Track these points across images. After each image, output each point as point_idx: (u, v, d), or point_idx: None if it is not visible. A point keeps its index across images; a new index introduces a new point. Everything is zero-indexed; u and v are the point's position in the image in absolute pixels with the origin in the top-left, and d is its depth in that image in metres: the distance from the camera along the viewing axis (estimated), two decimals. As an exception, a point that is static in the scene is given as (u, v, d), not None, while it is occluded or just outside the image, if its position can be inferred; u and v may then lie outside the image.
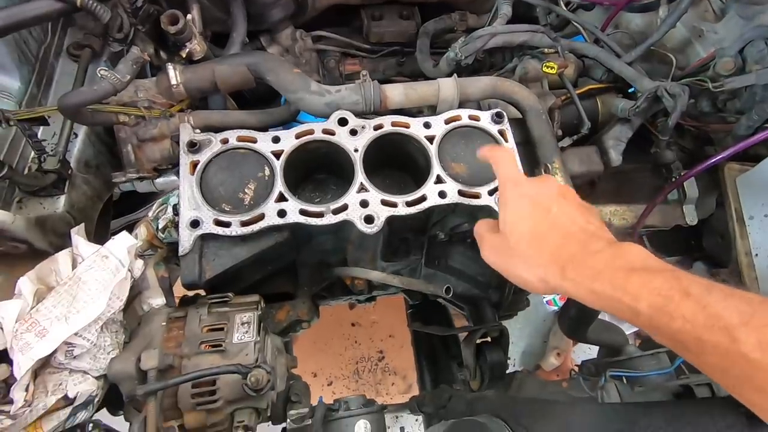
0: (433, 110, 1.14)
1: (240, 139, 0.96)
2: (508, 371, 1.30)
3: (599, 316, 1.11)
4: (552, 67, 1.18)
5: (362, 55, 1.68)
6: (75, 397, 0.70)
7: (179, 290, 0.95)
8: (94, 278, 0.71)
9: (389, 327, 2.21)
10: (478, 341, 1.28)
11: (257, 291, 1.07)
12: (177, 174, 1.12)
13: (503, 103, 1.15)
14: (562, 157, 1.04)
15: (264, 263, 1.00)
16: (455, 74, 1.08)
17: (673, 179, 1.12)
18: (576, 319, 1.00)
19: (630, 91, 1.26)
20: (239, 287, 1.02)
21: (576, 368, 1.12)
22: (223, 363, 0.79)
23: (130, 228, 1.03)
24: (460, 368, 1.41)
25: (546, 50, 1.31)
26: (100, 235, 1.13)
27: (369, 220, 0.91)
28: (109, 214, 1.21)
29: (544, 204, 0.70)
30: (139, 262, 0.80)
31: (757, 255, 1.04)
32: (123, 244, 0.75)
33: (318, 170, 1.12)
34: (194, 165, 0.93)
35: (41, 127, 0.95)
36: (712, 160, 1.04)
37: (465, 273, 1.25)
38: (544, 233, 0.68)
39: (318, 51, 1.63)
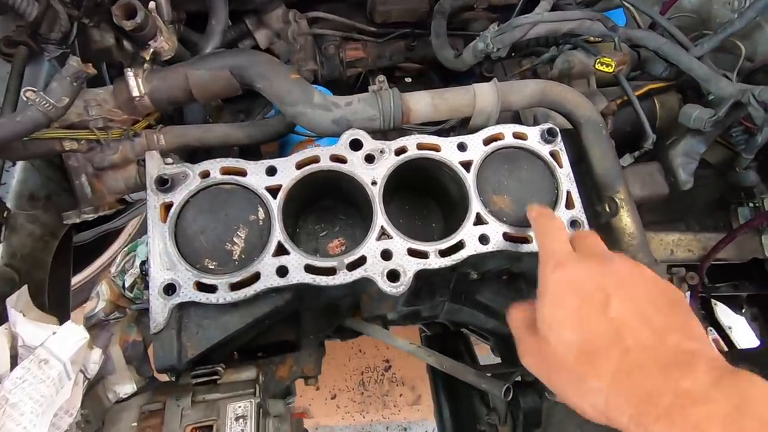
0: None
1: (225, 171, 0.74)
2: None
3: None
4: (608, 65, 0.95)
5: (366, 39, 1.43)
6: None
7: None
8: (28, 397, 0.51)
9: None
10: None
11: (252, 345, 0.89)
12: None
13: (545, 111, 0.93)
14: (626, 184, 0.84)
15: (260, 324, 0.80)
16: (495, 79, 0.86)
17: (750, 204, 0.93)
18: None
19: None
20: (231, 350, 0.83)
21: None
22: (213, 481, 0.61)
23: (106, 239, 0.83)
24: (484, 405, 1.26)
25: (591, 38, 1.09)
26: (57, 279, 0.92)
27: (393, 276, 0.72)
28: (70, 248, 0.99)
29: (597, 299, 0.49)
30: (96, 354, 0.60)
31: None
32: (70, 340, 0.55)
33: (324, 196, 0.91)
34: (167, 208, 0.72)
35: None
36: None
37: (494, 309, 1.07)
38: (601, 345, 0.47)
39: (314, 35, 1.38)
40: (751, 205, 0.93)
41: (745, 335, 1.81)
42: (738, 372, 0.43)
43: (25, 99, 0.61)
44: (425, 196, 0.95)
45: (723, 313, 2.22)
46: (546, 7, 0.99)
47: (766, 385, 0.42)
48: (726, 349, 1.47)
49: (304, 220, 0.92)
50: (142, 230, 1.91)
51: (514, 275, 0.97)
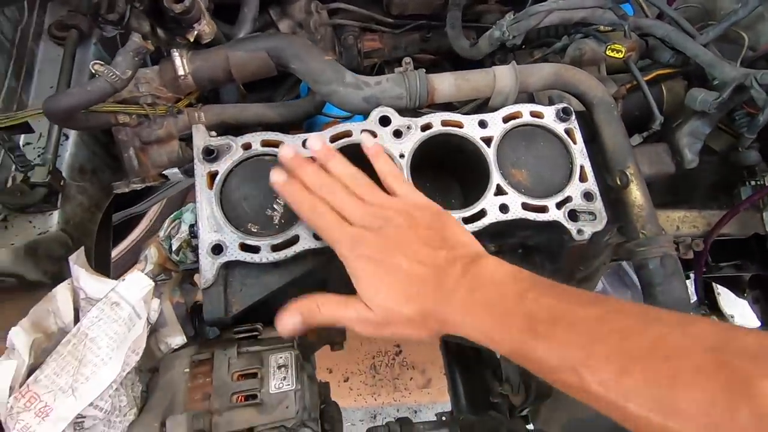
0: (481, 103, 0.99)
1: (265, 143, 0.81)
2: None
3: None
4: (619, 50, 1.01)
5: (383, 30, 1.49)
6: (87, 478, 0.57)
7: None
8: (104, 333, 0.57)
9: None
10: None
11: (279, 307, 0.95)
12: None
13: (559, 94, 0.99)
14: (636, 161, 0.90)
15: (295, 286, 0.86)
16: (514, 62, 0.92)
17: (753, 183, 0.99)
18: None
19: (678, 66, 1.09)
20: (265, 313, 0.89)
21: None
22: (261, 420, 0.67)
23: (129, 224, 0.89)
24: (496, 379, 1.32)
25: (602, 27, 1.14)
26: (101, 249, 0.98)
27: (421, 241, 0.78)
28: (110, 223, 1.06)
29: (391, 262, 0.62)
30: (155, 303, 0.66)
31: None
32: (137, 286, 0.61)
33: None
34: (212, 176, 0.78)
35: (20, 136, 0.79)
36: None
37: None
38: (408, 292, 0.60)
39: (334, 26, 1.44)
40: (753, 183, 0.99)
41: (747, 323, 1.86)
42: (478, 259, 0.60)
43: (93, 71, 0.67)
44: (446, 176, 1.01)
45: (726, 301, 2.28)
46: (560, -4, 1.05)
47: (492, 264, 0.60)
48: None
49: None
50: (165, 214, 1.97)
51: (529, 249, 1.03)
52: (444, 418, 1.17)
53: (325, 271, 0.96)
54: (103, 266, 1.00)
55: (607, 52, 1.03)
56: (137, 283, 0.62)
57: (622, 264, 2.34)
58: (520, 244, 1.00)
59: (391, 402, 1.98)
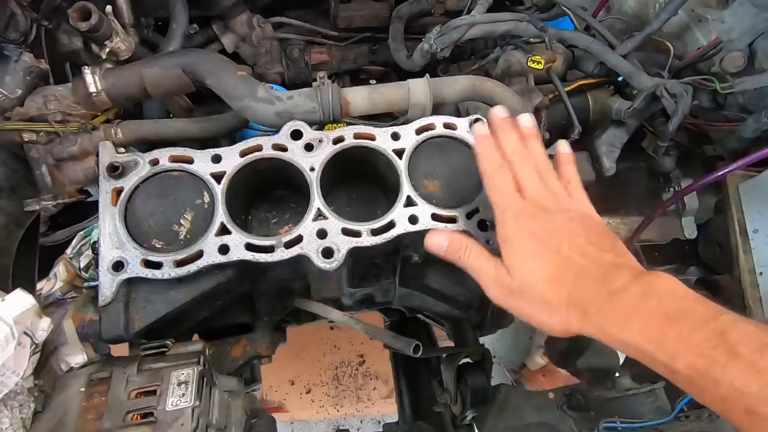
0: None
1: (173, 159, 0.81)
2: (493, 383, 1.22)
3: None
4: (538, 62, 1.04)
5: (330, 43, 1.51)
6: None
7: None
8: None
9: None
10: (460, 363, 1.18)
11: (207, 326, 0.95)
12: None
13: (484, 107, 1.01)
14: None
15: (210, 301, 0.86)
16: (428, 75, 0.93)
17: (672, 189, 1.00)
18: (566, 353, 0.90)
19: (619, 79, 1.13)
20: (184, 328, 0.88)
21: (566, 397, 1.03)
22: (152, 438, 0.66)
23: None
24: (441, 387, 1.32)
25: (532, 39, 1.17)
26: (23, 268, 0.98)
27: (328, 253, 0.78)
28: (36, 241, 1.05)
29: (553, 243, 0.63)
30: (45, 322, 0.66)
31: (761, 273, 0.94)
32: (15, 306, 0.61)
33: (275, 186, 0.98)
34: (118, 193, 0.78)
35: None
36: (720, 173, 0.92)
37: (443, 293, 1.13)
38: (559, 275, 0.61)
39: (280, 39, 1.45)
40: (671, 189, 1.01)
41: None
42: (652, 272, 0.58)
43: (-18, 89, 0.68)
44: (373, 188, 1.02)
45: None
46: (481, 10, 1.07)
47: (670, 280, 0.56)
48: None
49: (257, 209, 0.98)
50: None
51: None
52: (382, 430, 1.16)
53: (251, 286, 0.97)
54: (25, 285, 0.99)
55: (529, 64, 1.06)
56: (17, 302, 0.61)
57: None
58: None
59: (354, 413, 1.97)
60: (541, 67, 1.03)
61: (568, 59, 1.17)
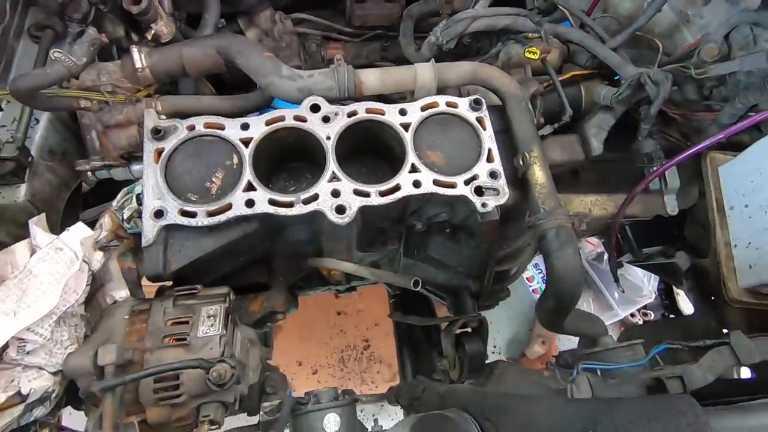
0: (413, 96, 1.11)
1: (207, 125, 0.93)
2: (489, 360, 1.30)
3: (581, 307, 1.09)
4: (534, 53, 1.14)
5: (345, 39, 1.63)
6: (29, 394, 0.67)
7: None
8: (46, 271, 0.68)
9: (375, 316, 2.21)
10: (458, 332, 1.27)
11: (230, 283, 1.05)
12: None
13: (483, 90, 1.11)
14: (541, 146, 1.01)
15: (234, 254, 0.97)
16: (432, 59, 1.05)
17: (654, 169, 1.10)
18: (553, 310, 0.99)
19: (615, 78, 1.23)
20: (210, 279, 0.99)
21: (554, 358, 1.11)
22: (186, 357, 0.77)
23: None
24: (440, 357, 1.40)
25: (531, 35, 1.27)
26: (67, 225, 1.09)
27: (340, 210, 0.89)
28: (78, 204, 1.17)
29: None
30: (99, 254, 0.77)
31: (736, 246, 1.02)
32: (78, 235, 0.72)
33: (292, 158, 1.09)
34: (159, 153, 0.90)
35: (-2, 113, 0.91)
36: (692, 150, 1.02)
37: (444, 263, 1.23)
38: None
39: (299, 34, 1.58)
40: (654, 169, 1.10)
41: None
42: None
43: (53, 58, 0.80)
44: (381, 161, 1.13)
45: (684, 302, 2.36)
46: (484, 5, 1.19)
47: None
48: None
49: (277, 178, 1.09)
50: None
51: (455, 229, 1.13)
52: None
53: (270, 246, 1.07)
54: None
55: (526, 54, 1.16)
56: (79, 232, 0.73)
57: (585, 265, 2.44)
58: (448, 223, 1.11)
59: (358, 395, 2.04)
60: (537, 58, 1.14)
61: (564, 53, 1.27)
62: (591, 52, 1.18)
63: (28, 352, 0.67)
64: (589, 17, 1.27)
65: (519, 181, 1.02)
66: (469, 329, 1.29)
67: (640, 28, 1.14)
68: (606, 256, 2.36)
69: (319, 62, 1.62)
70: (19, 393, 0.67)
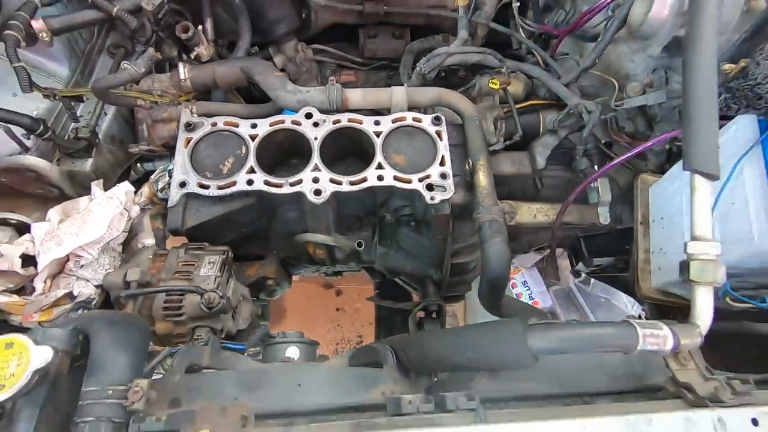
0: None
1: (226, 123, 1.23)
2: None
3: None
4: (495, 83, 1.39)
5: (356, 68, 1.94)
6: (77, 296, 0.96)
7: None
8: (99, 211, 0.98)
9: (370, 315, 2.42)
10: (421, 315, 1.48)
11: (234, 253, 1.33)
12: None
13: (450, 111, 1.37)
14: (488, 158, 1.25)
15: (236, 224, 1.25)
16: (406, 84, 1.31)
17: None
18: (487, 293, 1.18)
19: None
20: (218, 242, 1.27)
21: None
22: (189, 286, 1.03)
23: None
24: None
25: (503, 70, 1.52)
26: (117, 195, 1.41)
27: (317, 192, 1.15)
28: (128, 179, 1.49)
29: None
30: (136, 207, 1.07)
31: (653, 252, 1.19)
32: (123, 189, 1.02)
33: (292, 157, 1.37)
34: (188, 141, 1.20)
35: (80, 105, 1.24)
36: (611, 165, 1.21)
37: (411, 253, 1.46)
38: None
39: (317, 62, 1.90)
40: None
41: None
42: None
43: (122, 67, 1.13)
44: (359, 164, 1.38)
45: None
46: (458, 44, 1.45)
47: None
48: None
49: (278, 171, 1.37)
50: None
51: (418, 222, 1.37)
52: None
53: (267, 225, 1.34)
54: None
55: (489, 85, 1.41)
56: (124, 187, 1.02)
57: (572, 288, 2.56)
58: (412, 217, 1.35)
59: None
60: (497, 87, 1.39)
61: (528, 86, 1.51)
62: (546, 85, 1.41)
63: (81, 266, 0.96)
64: (553, 58, 1.51)
65: (466, 182, 1.25)
66: (432, 315, 1.50)
67: (585, 69, 1.37)
68: (592, 280, 2.49)
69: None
70: (71, 294, 0.95)
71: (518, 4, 1.50)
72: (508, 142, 1.35)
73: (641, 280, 1.18)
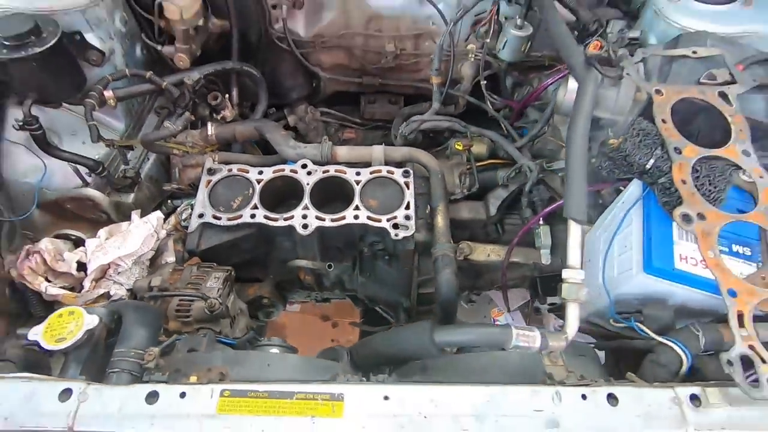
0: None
1: (239, 169, 1.56)
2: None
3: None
4: (459, 145, 1.70)
5: (356, 128, 2.30)
6: (113, 296, 1.26)
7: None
8: (137, 231, 1.29)
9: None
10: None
11: (238, 276, 1.62)
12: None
13: (417, 166, 1.67)
14: (447, 205, 1.53)
15: (240, 250, 1.55)
16: (383, 143, 1.64)
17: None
18: (441, 318, 1.42)
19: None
20: (224, 264, 1.56)
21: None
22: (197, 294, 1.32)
23: None
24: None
25: (470, 135, 1.83)
26: (149, 223, 1.74)
27: (305, 226, 1.45)
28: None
29: None
30: (164, 232, 1.38)
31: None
32: (156, 216, 1.34)
33: (290, 198, 1.69)
34: (209, 182, 1.54)
35: (130, 151, 1.61)
36: (537, 217, 1.47)
37: (385, 283, 1.71)
38: None
39: (324, 122, 2.28)
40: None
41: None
42: None
43: (164, 125, 1.49)
44: (345, 206, 1.69)
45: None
46: (431, 113, 1.79)
47: None
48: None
49: (278, 209, 1.69)
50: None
51: (390, 256, 1.64)
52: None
53: (266, 253, 1.64)
54: (148, 234, 1.75)
55: (455, 146, 1.72)
56: (156, 215, 1.35)
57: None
58: (385, 251, 1.62)
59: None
60: (461, 149, 1.69)
61: (491, 148, 1.81)
62: (503, 148, 1.71)
63: (118, 273, 1.27)
64: (512, 125, 1.82)
65: (427, 223, 1.53)
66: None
67: (534, 137, 1.67)
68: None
69: (337, 142, 2.28)
70: (108, 294, 1.25)
71: (485, 82, 1.84)
72: (467, 193, 1.64)
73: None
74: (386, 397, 0.81)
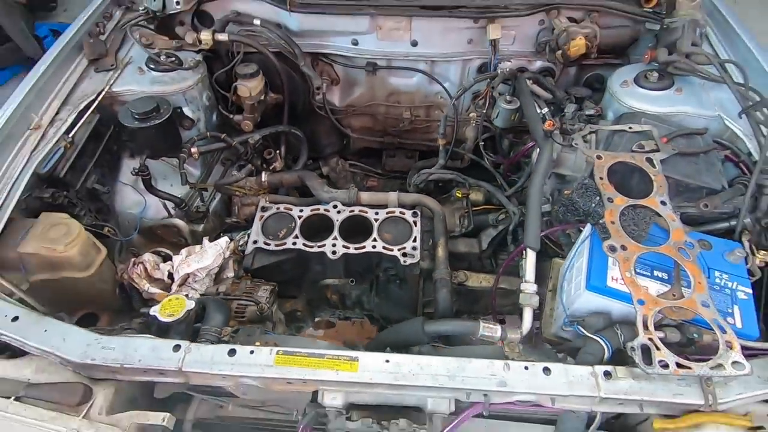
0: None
1: (285, 208, 2.02)
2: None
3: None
4: (459, 193, 2.12)
5: (378, 177, 2.77)
6: (191, 298, 1.69)
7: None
8: (210, 251, 1.74)
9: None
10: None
11: (279, 290, 2.03)
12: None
13: (426, 209, 2.09)
14: (447, 240, 1.93)
15: (283, 270, 1.97)
16: (398, 190, 2.08)
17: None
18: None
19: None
20: (270, 281, 1.98)
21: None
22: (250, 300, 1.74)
23: None
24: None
25: (468, 185, 2.25)
26: (211, 249, 2.20)
27: (333, 252, 1.87)
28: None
29: None
30: (227, 253, 1.83)
31: (555, 309, 1.73)
32: (224, 240, 1.80)
33: (323, 231, 2.12)
34: (261, 217, 1.99)
35: (204, 192, 2.10)
36: (514, 252, 1.84)
37: (396, 302, 2.08)
38: None
39: (352, 172, 2.76)
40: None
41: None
42: None
43: (231, 174, 1.98)
44: (365, 239, 2.11)
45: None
46: (437, 168, 2.23)
47: None
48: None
49: (314, 239, 2.12)
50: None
51: (401, 280, 2.02)
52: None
53: (302, 274, 2.05)
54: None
55: (456, 193, 2.15)
56: (224, 240, 1.80)
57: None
58: (397, 276, 2.01)
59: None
60: (460, 196, 2.11)
61: (486, 194, 2.22)
62: (495, 197, 2.12)
63: (195, 281, 1.70)
64: (508, 176, 2.24)
65: (430, 253, 1.92)
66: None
67: (519, 187, 2.07)
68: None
69: (361, 188, 2.74)
70: (187, 296, 1.68)
71: (483, 143, 2.28)
72: (464, 231, 2.04)
73: (544, 327, 1.73)
74: (387, 361, 1.18)
